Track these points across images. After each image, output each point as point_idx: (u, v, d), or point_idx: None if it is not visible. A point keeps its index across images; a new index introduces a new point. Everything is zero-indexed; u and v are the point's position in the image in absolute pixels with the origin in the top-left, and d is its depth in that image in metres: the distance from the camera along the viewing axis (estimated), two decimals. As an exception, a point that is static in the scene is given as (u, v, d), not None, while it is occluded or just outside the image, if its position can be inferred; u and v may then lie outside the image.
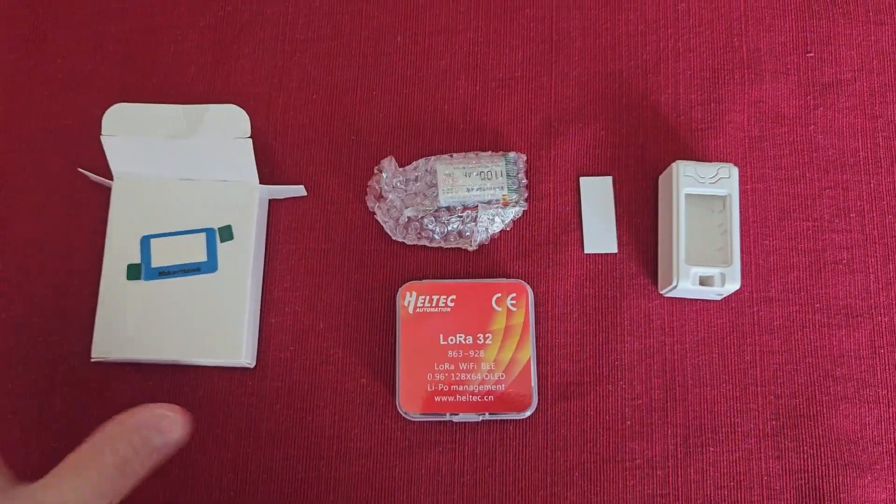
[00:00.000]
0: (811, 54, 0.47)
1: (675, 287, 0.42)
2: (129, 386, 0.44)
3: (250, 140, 0.42)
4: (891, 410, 0.43)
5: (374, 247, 0.45)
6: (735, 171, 0.43)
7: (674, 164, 0.43)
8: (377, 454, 0.43)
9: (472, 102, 0.47)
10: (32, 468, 0.42)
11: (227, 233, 0.43)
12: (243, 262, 0.42)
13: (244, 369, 0.44)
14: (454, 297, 0.42)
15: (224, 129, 0.42)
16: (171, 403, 0.33)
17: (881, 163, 0.46)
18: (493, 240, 0.45)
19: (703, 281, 0.42)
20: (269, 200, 0.45)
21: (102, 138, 0.42)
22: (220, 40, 0.48)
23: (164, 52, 0.48)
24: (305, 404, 0.43)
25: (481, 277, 0.44)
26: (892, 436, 0.42)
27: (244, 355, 0.42)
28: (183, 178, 0.43)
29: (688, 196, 0.43)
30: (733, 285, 0.42)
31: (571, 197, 0.46)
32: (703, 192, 0.43)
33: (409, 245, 0.45)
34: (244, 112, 0.42)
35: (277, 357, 0.44)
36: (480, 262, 0.45)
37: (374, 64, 0.48)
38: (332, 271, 0.45)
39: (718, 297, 0.44)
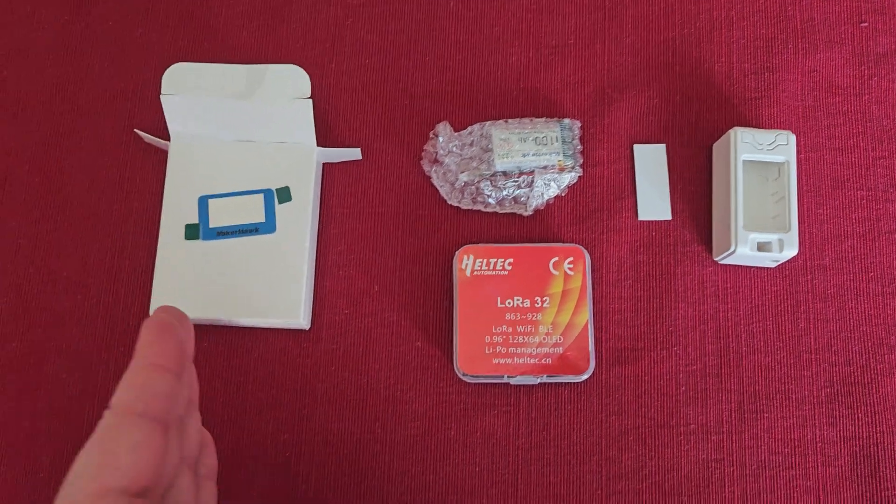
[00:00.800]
0: (865, 24, 0.47)
1: (734, 252, 0.42)
2: (184, 347, 0.44)
3: (310, 101, 0.42)
4: (945, 379, 0.43)
5: (429, 211, 0.45)
6: (793, 137, 0.43)
7: (731, 131, 0.43)
8: (432, 416, 0.43)
9: (526, 69, 0.47)
10: (89, 428, 0.43)
11: (285, 194, 0.43)
12: (302, 223, 0.42)
13: (299, 331, 0.44)
14: (511, 260, 0.42)
15: (285, 90, 0.42)
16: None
17: (936, 133, 0.46)
18: (549, 205, 0.45)
19: (761, 247, 0.42)
20: (324, 165, 0.45)
21: (162, 97, 0.42)
22: (271, 4, 0.48)
23: (215, 16, 0.48)
24: (360, 366, 0.43)
25: (536, 242, 0.44)
26: (946, 404, 0.43)
27: (302, 316, 0.42)
28: (240, 139, 0.43)
29: (744, 163, 0.43)
30: (791, 251, 0.42)
31: (625, 164, 0.46)
32: (760, 158, 0.43)
33: (465, 210, 0.45)
34: (305, 73, 0.42)
35: (332, 320, 0.44)
36: (535, 228, 0.45)
37: (426, 29, 0.48)
38: (386, 235, 0.45)
39: (774, 265, 0.44)
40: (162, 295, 0.42)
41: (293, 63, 0.47)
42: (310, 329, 0.44)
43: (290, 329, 0.43)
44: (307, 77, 0.42)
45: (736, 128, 0.43)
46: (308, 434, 0.43)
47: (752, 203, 0.43)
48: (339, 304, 0.44)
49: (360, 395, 0.43)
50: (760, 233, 0.42)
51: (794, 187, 0.42)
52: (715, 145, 0.45)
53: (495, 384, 0.43)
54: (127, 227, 0.45)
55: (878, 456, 0.42)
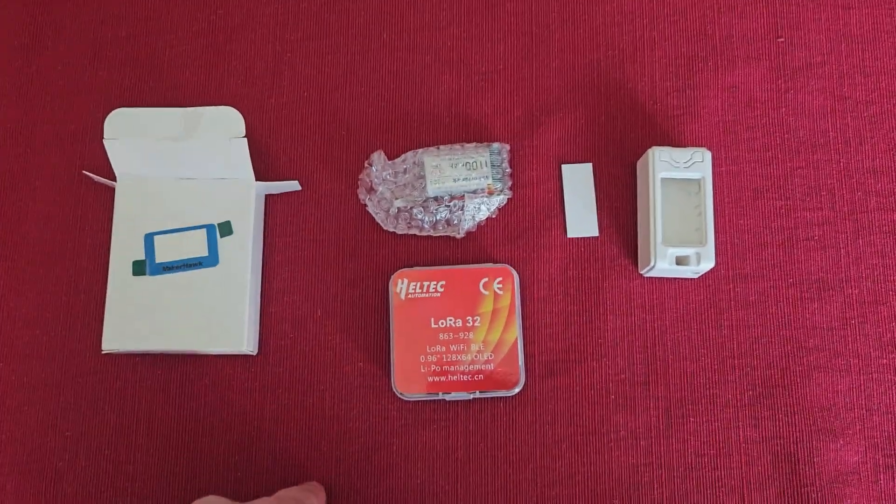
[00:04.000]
0: (782, 39, 0.49)
1: (654, 267, 0.44)
2: (138, 375, 0.46)
3: (245, 140, 0.44)
4: (861, 378, 0.45)
5: (366, 237, 0.47)
6: (708, 154, 0.45)
7: (650, 150, 0.45)
8: (375, 433, 0.45)
9: (457, 96, 0.49)
10: (49, 456, 0.45)
11: (226, 228, 0.45)
12: (243, 255, 0.44)
13: (247, 357, 0.46)
14: (444, 282, 0.45)
15: (220, 131, 0.44)
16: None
17: (850, 142, 0.48)
18: (480, 227, 0.47)
19: (680, 261, 0.44)
20: (266, 196, 0.48)
21: (105, 142, 0.44)
22: (213, 43, 0.50)
23: (160, 57, 0.50)
24: (306, 388, 0.46)
25: (470, 263, 0.47)
26: (862, 402, 0.45)
27: (246, 344, 0.44)
28: (183, 178, 0.45)
29: (665, 180, 0.45)
30: (708, 264, 0.44)
31: (554, 184, 0.48)
32: (678, 175, 0.45)
33: (400, 234, 0.47)
34: (239, 113, 0.44)
35: (278, 344, 0.46)
36: (469, 249, 0.47)
37: (361, 61, 0.50)
38: (327, 261, 0.47)
39: (695, 276, 0.46)
40: (113, 329, 0.44)
41: (235, 98, 0.49)
42: (257, 354, 0.46)
43: (238, 355, 0.46)
44: (241, 118, 0.44)
45: (654, 147, 0.45)
46: (258, 454, 0.45)
47: (675, 217, 0.45)
48: (284, 328, 0.47)
49: (306, 415, 0.46)
50: (679, 247, 0.44)
51: (709, 203, 0.44)
52: (638, 163, 0.47)
53: (433, 400, 0.45)
54: (80, 264, 0.47)
55: (797, 454, 0.44)
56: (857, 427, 0.44)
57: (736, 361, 0.45)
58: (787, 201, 0.47)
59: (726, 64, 0.49)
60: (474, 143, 0.48)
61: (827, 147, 0.48)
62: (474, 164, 0.46)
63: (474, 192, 0.46)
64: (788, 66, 0.49)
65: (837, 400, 0.45)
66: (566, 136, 0.49)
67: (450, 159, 0.46)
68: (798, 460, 0.44)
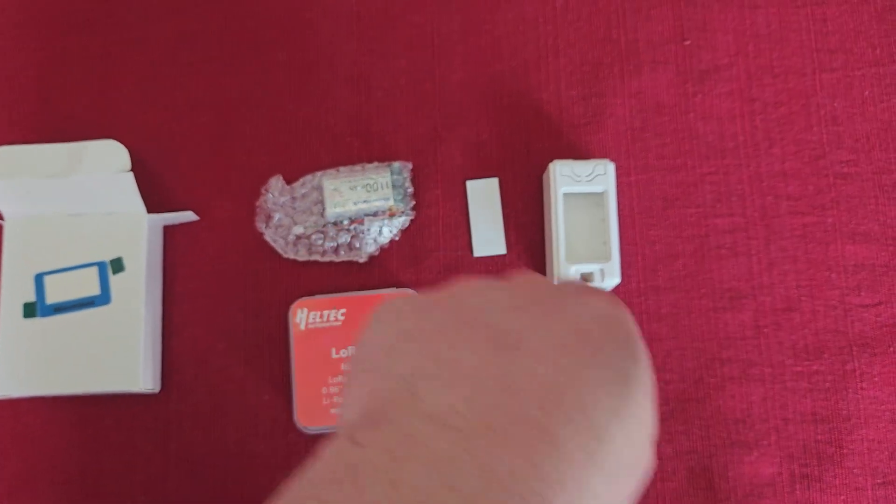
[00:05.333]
0: (688, 42, 0.48)
1: None
2: (39, 418, 0.45)
3: (131, 174, 0.42)
4: (775, 387, 0.44)
5: (267, 265, 0.46)
6: (611, 166, 0.44)
7: (550, 165, 0.44)
8: (282, 468, 0.44)
9: (358, 114, 0.48)
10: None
11: (118, 264, 0.43)
12: (136, 292, 0.43)
13: (149, 394, 0.45)
14: (344, 310, 0.43)
15: (105, 165, 0.43)
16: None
17: (759, 145, 0.47)
18: (384, 250, 0.46)
19: (585, 277, 0.43)
20: (164, 226, 0.46)
21: (-13, 182, 0.43)
22: (107, 70, 0.49)
23: (48, 88, 0.49)
24: (211, 424, 0.45)
25: (374, 288, 0.45)
26: (777, 412, 0.44)
27: (143, 382, 0.43)
28: (72, 214, 0.44)
29: (570, 194, 0.44)
30: (613, 280, 0.43)
31: (460, 201, 0.47)
32: (580, 189, 0.44)
33: (302, 261, 0.46)
34: (123, 146, 0.43)
35: (181, 379, 0.45)
36: (373, 273, 0.46)
37: (259, 82, 0.48)
38: (228, 292, 0.46)
39: (606, 290, 0.45)
40: (5, 374, 0.43)
41: (131, 125, 0.48)
42: (159, 391, 0.45)
43: (139, 393, 0.44)
44: (125, 150, 0.43)
45: (555, 161, 0.44)
46: (165, 494, 0.44)
47: (581, 232, 0.44)
48: (186, 363, 0.45)
49: (211, 451, 0.44)
50: (583, 263, 0.43)
51: (613, 217, 0.43)
52: (543, 178, 0.46)
53: (338, 432, 0.44)
54: (-29, 306, 0.46)
55: (713, 468, 0.44)
56: (773, 438, 0.44)
57: (649, 376, 0.45)
58: (697, 209, 0.46)
59: (632, 69, 0.48)
60: (375, 164, 0.46)
61: (737, 151, 0.47)
62: (374, 185, 0.45)
63: (375, 214, 0.45)
64: (695, 69, 0.48)
65: (752, 411, 0.44)
66: (471, 151, 0.47)
67: (349, 181, 0.45)
68: (713, 474, 0.44)
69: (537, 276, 0.28)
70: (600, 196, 0.44)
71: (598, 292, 0.27)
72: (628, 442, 0.22)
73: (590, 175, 0.44)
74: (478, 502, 0.20)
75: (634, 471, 0.23)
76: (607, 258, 0.43)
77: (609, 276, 0.43)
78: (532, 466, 0.20)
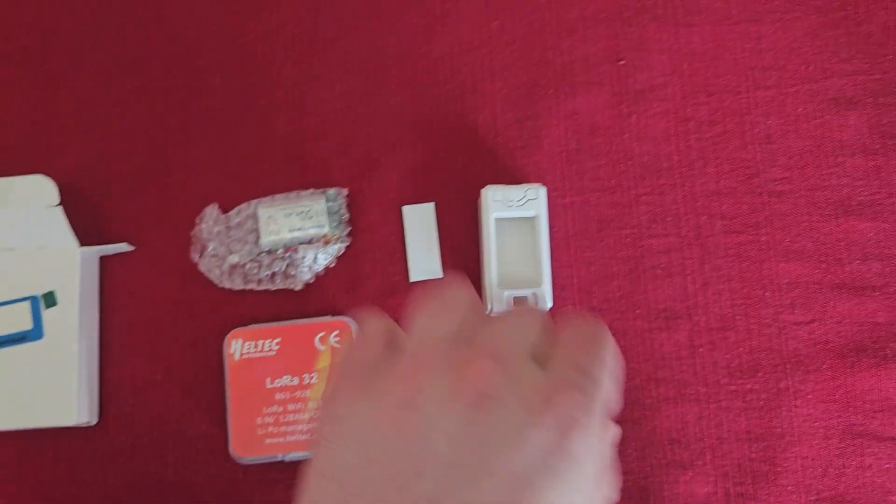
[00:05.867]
0: (623, 62, 0.48)
1: (492, 310, 0.43)
2: (-24, 453, 0.45)
3: (60, 208, 0.42)
4: (710, 407, 0.45)
5: (203, 295, 0.46)
6: (542, 190, 0.44)
7: (483, 190, 0.44)
8: (219, 498, 0.44)
9: (295, 140, 0.48)
10: None
11: (50, 299, 0.43)
12: (69, 326, 0.43)
13: (87, 427, 0.45)
14: (279, 339, 0.43)
15: (33, 200, 0.42)
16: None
17: (693, 165, 0.47)
18: (320, 277, 0.46)
19: (518, 301, 0.43)
20: (101, 256, 0.46)
21: (-86, 219, 0.43)
22: (38, 101, 0.48)
23: (-15, 116, 0.48)
24: (149, 456, 0.45)
25: (311, 315, 0.45)
26: (712, 431, 0.44)
27: (78, 416, 0.43)
28: (2, 249, 0.44)
29: (502, 219, 0.44)
30: (545, 304, 0.43)
31: (396, 227, 0.47)
32: (512, 215, 0.44)
33: (238, 290, 0.46)
34: (51, 181, 0.43)
35: (119, 411, 0.45)
36: (309, 301, 0.46)
37: (194, 108, 0.48)
38: (165, 322, 0.46)
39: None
40: (-62, 411, 0.42)
41: (65, 156, 0.47)
42: (97, 423, 0.45)
43: (77, 426, 0.44)
44: (54, 185, 0.43)
45: (488, 186, 0.44)
46: (103, 526, 0.44)
47: (513, 256, 0.44)
48: (125, 394, 0.45)
49: (150, 484, 0.44)
50: (515, 289, 0.43)
51: (545, 242, 0.43)
52: (478, 202, 0.46)
53: (275, 462, 0.44)
54: None
55: (649, 489, 0.44)
56: (708, 457, 0.44)
57: (585, 398, 0.45)
58: (632, 230, 0.47)
59: (567, 90, 0.48)
60: (310, 190, 0.46)
61: (671, 171, 0.47)
62: (309, 212, 0.45)
63: (310, 241, 0.45)
64: (630, 89, 0.48)
65: (687, 430, 0.44)
66: (407, 176, 0.47)
67: (284, 209, 0.45)
68: (650, 494, 0.44)
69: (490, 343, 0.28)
70: (532, 220, 0.44)
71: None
72: None
73: (521, 200, 0.44)
74: None
75: None
76: (539, 283, 0.43)
77: (541, 301, 0.43)
78: None
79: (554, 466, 0.24)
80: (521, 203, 0.44)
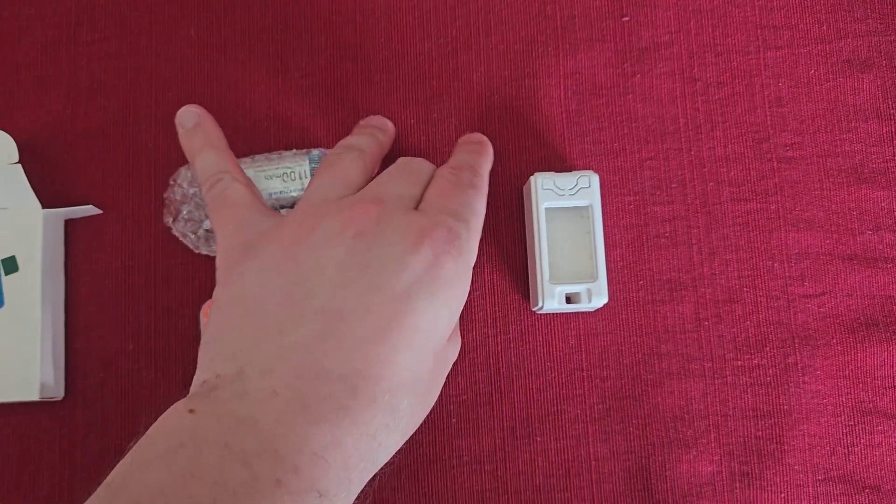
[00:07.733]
0: (627, 18, 0.45)
1: (542, 307, 0.41)
2: (-68, 430, 0.42)
3: (19, 165, 0.39)
4: (715, 383, 0.42)
5: (178, 261, 0.43)
6: (595, 178, 0.41)
7: (531, 178, 0.41)
8: (195, 477, 0.41)
9: (276, 96, 0.45)
10: None
11: (11, 264, 0.40)
12: (32, 294, 0.40)
13: (53, 401, 0.42)
14: (259, 310, 0.40)
15: (-10, 156, 0.39)
16: None
17: (701, 128, 0.44)
18: (303, 243, 0.43)
19: (571, 298, 0.40)
20: (66, 221, 0.43)
21: None
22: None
23: (-61, 67, 0.45)
24: (120, 431, 0.42)
25: (293, 284, 0.43)
26: (717, 408, 0.42)
27: (41, 390, 0.40)
28: (-42, 211, 0.40)
29: (551, 209, 0.41)
30: (601, 300, 0.40)
31: (385, 190, 0.44)
32: (563, 204, 0.41)
33: (214, 256, 0.43)
34: (9, 137, 0.39)
35: (87, 384, 0.42)
36: (292, 268, 0.43)
37: (167, 62, 0.45)
38: (137, 290, 0.43)
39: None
40: None
41: (25, 111, 0.44)
42: (64, 398, 0.42)
43: (42, 401, 0.41)
44: (12, 141, 0.39)
45: (536, 174, 0.41)
46: (70, 507, 0.41)
47: (567, 248, 0.41)
48: (93, 367, 0.42)
49: (119, 460, 0.41)
50: (567, 284, 0.40)
51: (599, 233, 0.41)
52: (523, 189, 0.43)
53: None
54: None
55: (650, 468, 0.42)
56: (712, 435, 0.42)
57: (584, 373, 0.42)
58: (636, 196, 0.44)
59: (568, 48, 0.45)
60: (293, 151, 0.43)
61: (677, 135, 0.44)
62: (291, 174, 0.42)
63: (292, 205, 0.42)
64: (634, 47, 0.45)
65: (690, 408, 0.42)
66: (395, 135, 0.44)
67: (264, 171, 0.42)
68: (651, 475, 0.42)
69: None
70: (584, 210, 0.41)
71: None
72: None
73: (573, 188, 0.41)
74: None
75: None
76: (594, 277, 0.40)
77: (597, 296, 0.40)
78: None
79: (429, 286, 0.30)
80: (573, 192, 0.41)
